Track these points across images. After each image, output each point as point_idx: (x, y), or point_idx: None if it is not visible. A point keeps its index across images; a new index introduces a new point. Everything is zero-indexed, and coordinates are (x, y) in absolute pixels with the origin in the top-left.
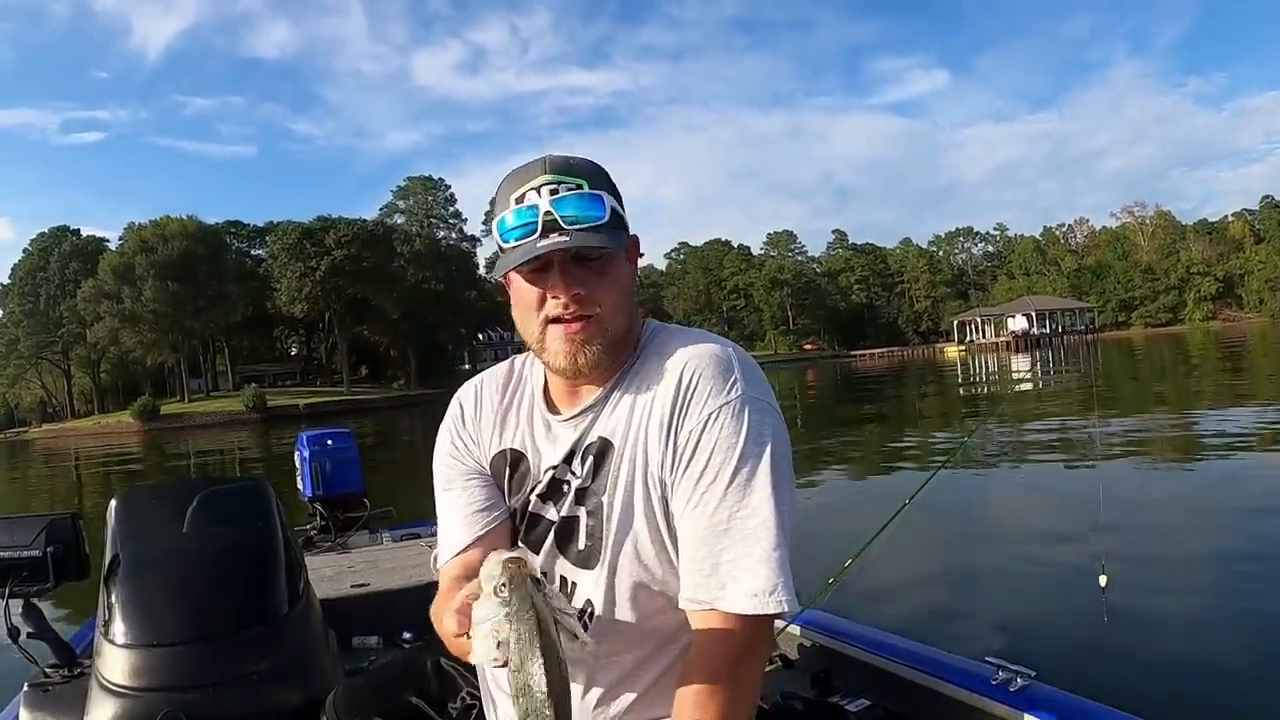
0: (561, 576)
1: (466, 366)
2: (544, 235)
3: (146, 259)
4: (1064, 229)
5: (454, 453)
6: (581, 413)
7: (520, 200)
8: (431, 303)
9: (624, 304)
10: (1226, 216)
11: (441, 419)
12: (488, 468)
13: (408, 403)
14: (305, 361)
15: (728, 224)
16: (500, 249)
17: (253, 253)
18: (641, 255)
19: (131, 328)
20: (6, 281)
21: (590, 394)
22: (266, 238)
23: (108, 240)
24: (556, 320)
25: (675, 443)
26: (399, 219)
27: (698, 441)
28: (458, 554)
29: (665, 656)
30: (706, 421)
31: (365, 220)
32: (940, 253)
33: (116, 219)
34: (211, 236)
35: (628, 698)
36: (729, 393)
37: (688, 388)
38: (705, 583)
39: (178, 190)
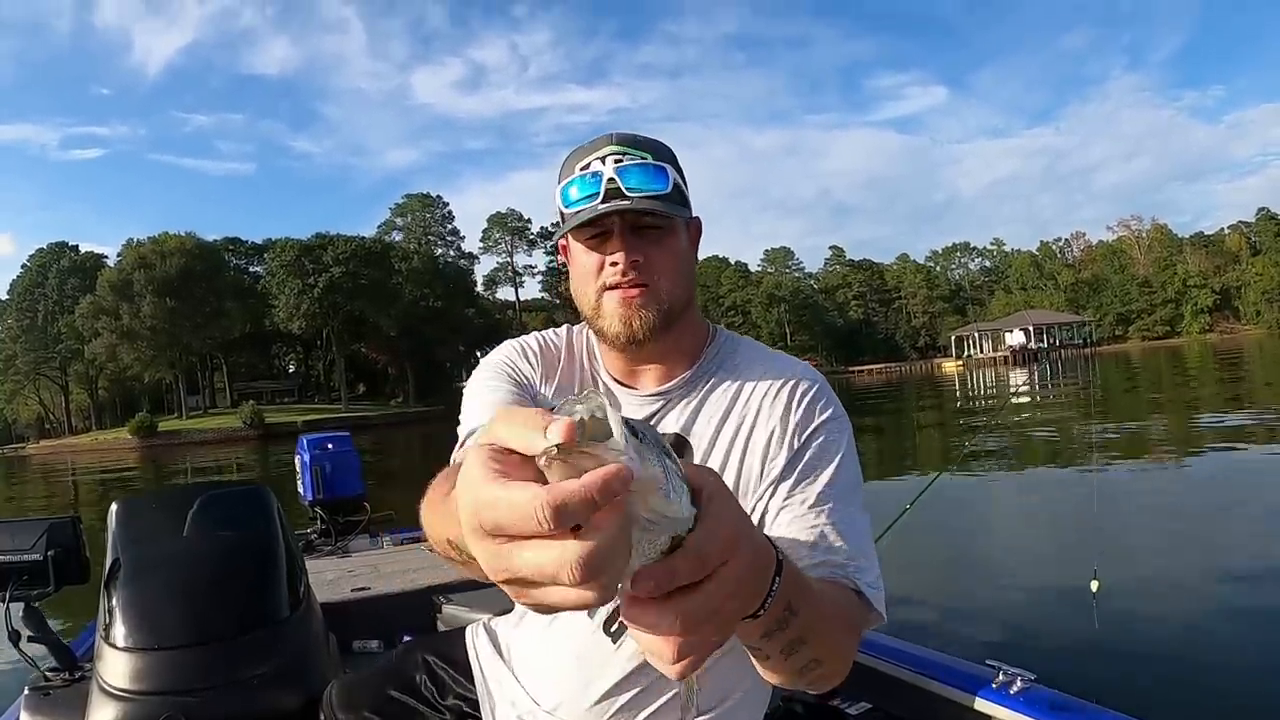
0: None
1: (464, 384)
2: (606, 201)
3: (145, 275)
4: (1061, 243)
5: (509, 364)
6: (656, 394)
7: (585, 169)
8: (429, 320)
9: (683, 277)
10: (1223, 229)
11: (439, 435)
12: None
13: (406, 420)
14: (303, 378)
15: (725, 241)
16: (562, 217)
17: (251, 269)
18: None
19: (129, 344)
20: (4, 297)
21: (657, 376)
22: (265, 254)
23: (106, 256)
24: (614, 287)
25: (794, 449)
26: (397, 236)
27: (816, 448)
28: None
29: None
30: (822, 429)
31: (363, 237)
32: (937, 268)
33: (115, 235)
34: (210, 253)
35: (655, 703)
36: (835, 408)
37: (801, 399)
38: (843, 564)
39: (176, 207)
